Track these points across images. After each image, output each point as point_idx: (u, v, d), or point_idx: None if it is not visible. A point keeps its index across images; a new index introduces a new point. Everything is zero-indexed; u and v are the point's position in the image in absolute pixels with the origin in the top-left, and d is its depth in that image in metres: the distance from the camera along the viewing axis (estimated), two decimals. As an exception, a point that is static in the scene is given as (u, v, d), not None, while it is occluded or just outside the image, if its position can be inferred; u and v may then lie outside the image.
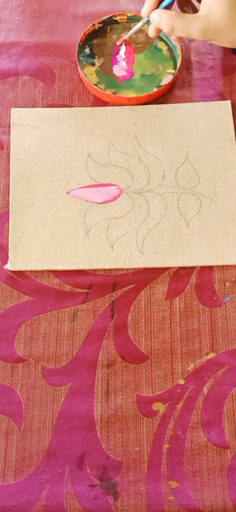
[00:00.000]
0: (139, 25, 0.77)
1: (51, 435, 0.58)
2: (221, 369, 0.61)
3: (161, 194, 0.70)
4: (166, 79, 0.78)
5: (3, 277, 0.65)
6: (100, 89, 0.76)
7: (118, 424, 0.58)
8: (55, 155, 0.72)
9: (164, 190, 0.70)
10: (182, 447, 0.57)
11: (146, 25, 0.84)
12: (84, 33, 0.81)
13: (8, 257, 0.66)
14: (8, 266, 0.65)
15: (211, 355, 0.62)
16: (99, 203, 0.69)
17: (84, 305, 0.64)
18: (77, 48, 0.79)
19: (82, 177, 0.71)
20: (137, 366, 0.61)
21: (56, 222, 0.68)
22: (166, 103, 0.77)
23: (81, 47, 0.81)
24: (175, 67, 0.80)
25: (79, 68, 0.78)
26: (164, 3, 0.74)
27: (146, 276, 0.66)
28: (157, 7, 0.74)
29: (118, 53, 0.81)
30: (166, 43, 0.82)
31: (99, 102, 0.77)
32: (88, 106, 0.77)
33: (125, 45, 0.82)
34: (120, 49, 0.82)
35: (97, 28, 0.82)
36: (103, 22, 0.83)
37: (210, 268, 0.66)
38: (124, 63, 0.81)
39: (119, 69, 0.80)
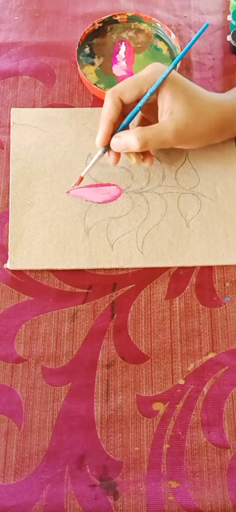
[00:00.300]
0: (95, 157, 0.67)
1: (51, 435, 0.58)
2: (221, 369, 0.61)
3: (161, 194, 0.70)
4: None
5: (3, 277, 0.65)
6: (100, 89, 0.76)
7: (117, 424, 0.58)
8: (55, 155, 0.72)
9: (164, 190, 0.70)
10: (182, 447, 0.57)
11: (146, 26, 0.84)
12: (84, 33, 0.81)
13: (8, 257, 0.66)
14: (8, 265, 0.65)
15: (211, 355, 0.62)
16: (99, 203, 0.69)
17: (84, 305, 0.64)
18: (77, 47, 0.79)
19: (82, 177, 0.71)
20: (137, 366, 0.61)
21: (56, 221, 0.68)
22: (166, 103, 0.77)
23: (81, 46, 0.81)
24: (175, 67, 0.79)
25: (79, 68, 0.78)
26: (124, 122, 0.66)
27: (146, 276, 0.66)
28: (113, 133, 0.66)
29: (117, 52, 0.82)
30: (166, 43, 0.82)
31: (99, 102, 0.77)
32: (88, 106, 0.77)
33: (125, 44, 0.82)
34: (119, 49, 0.82)
35: (97, 27, 0.82)
36: (103, 21, 0.83)
37: (210, 268, 0.66)
38: (123, 63, 0.81)
39: (119, 69, 0.80)
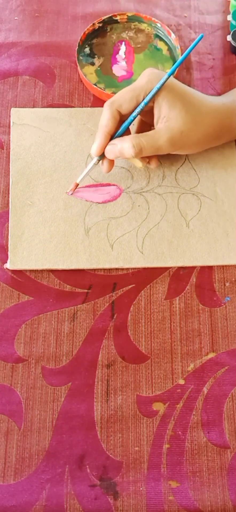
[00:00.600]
0: (90, 165, 0.67)
1: (51, 435, 0.58)
2: (221, 369, 0.61)
3: (161, 194, 0.70)
4: (166, 79, 0.78)
5: (3, 277, 0.65)
6: (99, 89, 0.76)
7: (117, 424, 0.58)
8: (55, 155, 0.72)
9: (164, 190, 0.71)
10: (182, 447, 0.57)
11: (146, 26, 0.84)
12: (84, 33, 0.81)
13: (8, 257, 0.66)
14: (8, 265, 0.65)
15: (211, 355, 0.62)
16: (99, 203, 0.69)
17: (84, 305, 0.64)
18: (77, 47, 0.79)
19: (82, 177, 0.71)
20: (137, 366, 0.61)
21: (56, 221, 0.68)
22: (166, 103, 0.77)
23: (81, 46, 0.81)
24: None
25: (79, 68, 0.78)
26: (119, 131, 0.66)
27: (146, 276, 0.66)
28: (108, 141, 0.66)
29: (117, 52, 0.82)
30: (166, 43, 0.82)
31: (99, 102, 0.77)
32: (88, 106, 0.77)
33: (125, 44, 0.82)
34: (119, 49, 0.82)
35: (97, 27, 0.82)
36: (103, 21, 0.83)
37: (210, 268, 0.66)
38: (123, 63, 0.81)
39: (119, 69, 0.80)
